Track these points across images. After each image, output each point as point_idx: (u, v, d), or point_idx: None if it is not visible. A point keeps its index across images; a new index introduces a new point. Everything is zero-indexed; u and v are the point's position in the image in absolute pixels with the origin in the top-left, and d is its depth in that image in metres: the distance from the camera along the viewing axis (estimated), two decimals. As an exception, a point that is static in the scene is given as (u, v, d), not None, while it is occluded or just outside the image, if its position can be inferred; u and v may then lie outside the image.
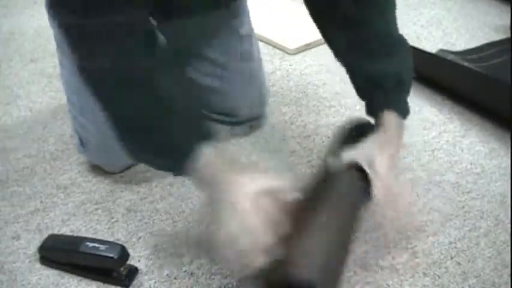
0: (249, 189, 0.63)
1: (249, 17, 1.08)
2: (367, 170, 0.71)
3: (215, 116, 1.15)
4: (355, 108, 1.23)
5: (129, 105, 0.69)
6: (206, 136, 0.69)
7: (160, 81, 0.68)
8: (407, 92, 0.84)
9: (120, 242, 0.84)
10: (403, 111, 0.82)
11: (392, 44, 0.84)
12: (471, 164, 1.07)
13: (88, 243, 0.79)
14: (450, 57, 1.41)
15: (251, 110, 1.13)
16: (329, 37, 0.89)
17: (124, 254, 0.79)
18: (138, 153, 0.73)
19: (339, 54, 0.88)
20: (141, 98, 0.68)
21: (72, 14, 0.66)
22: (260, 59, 1.11)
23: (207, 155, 0.66)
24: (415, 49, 1.33)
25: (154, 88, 0.67)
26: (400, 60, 0.83)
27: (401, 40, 0.85)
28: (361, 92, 0.86)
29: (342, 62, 0.88)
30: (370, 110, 0.84)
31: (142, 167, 1.04)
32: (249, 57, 1.07)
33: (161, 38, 0.74)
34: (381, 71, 0.82)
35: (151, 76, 0.67)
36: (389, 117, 0.80)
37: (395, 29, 0.85)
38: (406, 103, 0.83)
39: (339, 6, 0.82)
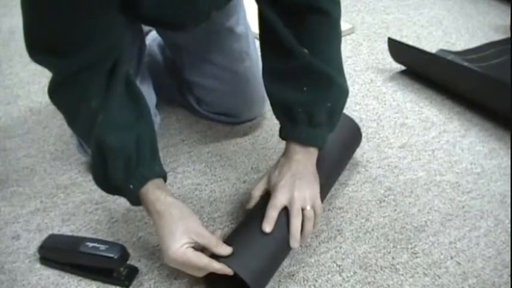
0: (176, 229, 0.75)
1: (244, 15, 1.08)
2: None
3: (215, 116, 1.15)
4: (354, 108, 1.24)
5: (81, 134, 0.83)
6: (140, 178, 0.77)
7: (103, 129, 0.74)
8: (321, 127, 0.84)
9: (120, 242, 0.84)
10: (310, 143, 0.84)
11: (316, 80, 0.83)
12: (471, 164, 1.07)
13: (88, 243, 0.79)
14: (450, 57, 1.41)
15: (250, 109, 1.13)
16: (264, 58, 0.89)
17: (124, 254, 0.79)
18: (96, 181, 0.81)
19: (265, 75, 0.89)
20: (87, 137, 0.78)
21: (45, 53, 0.72)
22: (258, 58, 1.11)
23: (143, 193, 0.77)
24: (415, 49, 1.34)
25: (97, 136, 0.74)
26: (318, 96, 0.83)
27: (333, 80, 0.83)
28: (276, 115, 0.89)
29: (265, 83, 0.89)
30: (280, 134, 0.88)
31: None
32: (246, 56, 1.07)
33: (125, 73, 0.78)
34: (293, 101, 0.83)
35: (97, 121, 0.74)
36: (293, 146, 0.85)
37: (330, 67, 0.83)
38: (316, 136, 0.84)
39: (279, 35, 0.82)
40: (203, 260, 0.73)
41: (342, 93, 0.85)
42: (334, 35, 0.85)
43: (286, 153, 0.86)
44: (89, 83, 0.73)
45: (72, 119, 0.79)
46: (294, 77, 0.83)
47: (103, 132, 0.74)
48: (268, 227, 0.78)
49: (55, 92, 0.76)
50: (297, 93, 0.83)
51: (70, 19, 0.67)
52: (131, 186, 0.76)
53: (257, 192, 0.86)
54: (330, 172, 0.94)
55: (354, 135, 1.02)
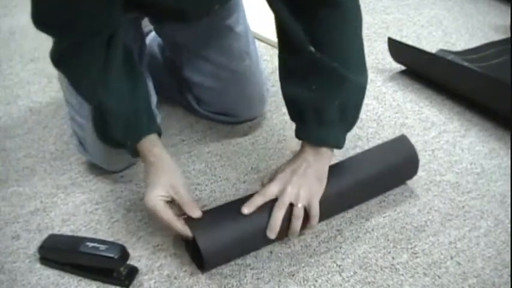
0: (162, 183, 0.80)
1: (244, 14, 1.08)
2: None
3: (215, 116, 1.15)
4: (355, 108, 1.24)
5: (86, 96, 0.88)
6: (138, 135, 0.84)
7: (104, 98, 0.82)
8: (332, 126, 0.83)
9: (120, 242, 0.84)
10: (321, 143, 0.83)
11: (324, 77, 0.81)
12: (471, 164, 1.07)
13: (88, 243, 0.79)
14: (450, 57, 1.41)
15: (250, 109, 1.13)
16: (279, 57, 0.89)
17: (124, 254, 0.79)
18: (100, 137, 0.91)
19: (280, 75, 0.89)
20: (90, 101, 0.87)
21: (50, 30, 0.77)
22: (258, 58, 1.11)
23: (139, 145, 0.84)
24: (415, 49, 1.34)
25: (98, 102, 0.84)
26: (326, 94, 0.81)
27: (342, 76, 0.80)
28: (290, 116, 0.89)
29: (280, 83, 0.89)
30: (295, 134, 0.88)
31: (142, 166, 1.04)
32: (246, 56, 1.07)
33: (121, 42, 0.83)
34: (302, 100, 0.83)
35: (98, 90, 0.82)
36: (304, 145, 0.85)
37: (341, 63, 0.80)
38: (327, 135, 0.83)
39: (288, 31, 0.82)
40: (168, 215, 0.78)
41: (354, 89, 0.83)
42: (348, 27, 0.82)
43: (298, 152, 0.86)
44: (89, 54, 0.79)
45: (76, 87, 0.87)
46: (304, 75, 0.83)
47: (104, 101, 0.82)
48: (246, 209, 0.80)
49: (58, 61, 0.82)
50: (306, 91, 0.82)
51: (72, 5, 0.72)
52: (129, 142, 0.84)
53: (264, 182, 0.87)
54: (357, 189, 0.90)
55: (406, 165, 0.96)
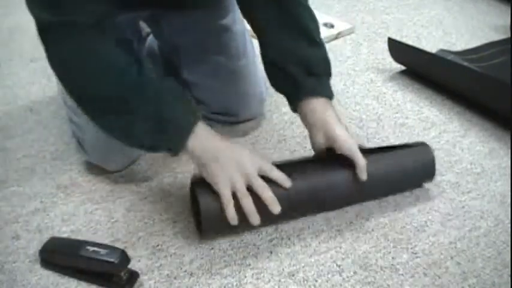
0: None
1: (240, 14, 1.08)
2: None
3: (214, 117, 1.15)
4: (355, 107, 1.24)
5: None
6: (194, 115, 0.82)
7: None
8: (321, 78, 0.90)
9: (120, 242, 0.84)
10: (322, 93, 0.90)
11: (301, 30, 0.90)
12: (471, 164, 1.07)
13: (89, 247, 0.79)
14: (450, 57, 1.41)
15: (249, 108, 1.13)
16: (253, 15, 0.95)
17: (124, 258, 0.78)
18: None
19: (261, 46, 0.94)
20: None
21: (44, 10, 0.75)
22: (255, 56, 1.11)
23: (197, 131, 0.81)
24: (415, 49, 1.34)
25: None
26: (308, 47, 0.90)
27: (315, 31, 0.91)
28: (281, 87, 0.95)
29: (263, 56, 0.94)
30: (291, 103, 0.93)
31: (142, 166, 1.04)
32: (244, 55, 1.07)
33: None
34: (311, 57, 0.90)
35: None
36: (305, 104, 0.89)
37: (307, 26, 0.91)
38: (324, 87, 0.90)
39: None
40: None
41: (323, 44, 0.93)
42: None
43: (306, 116, 0.89)
44: (107, 44, 0.78)
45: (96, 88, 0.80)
46: (282, 28, 0.89)
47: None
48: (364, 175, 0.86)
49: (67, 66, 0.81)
50: (291, 47, 0.89)
51: None
52: (191, 119, 0.81)
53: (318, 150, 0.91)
54: (375, 183, 0.90)
55: (422, 177, 0.98)
